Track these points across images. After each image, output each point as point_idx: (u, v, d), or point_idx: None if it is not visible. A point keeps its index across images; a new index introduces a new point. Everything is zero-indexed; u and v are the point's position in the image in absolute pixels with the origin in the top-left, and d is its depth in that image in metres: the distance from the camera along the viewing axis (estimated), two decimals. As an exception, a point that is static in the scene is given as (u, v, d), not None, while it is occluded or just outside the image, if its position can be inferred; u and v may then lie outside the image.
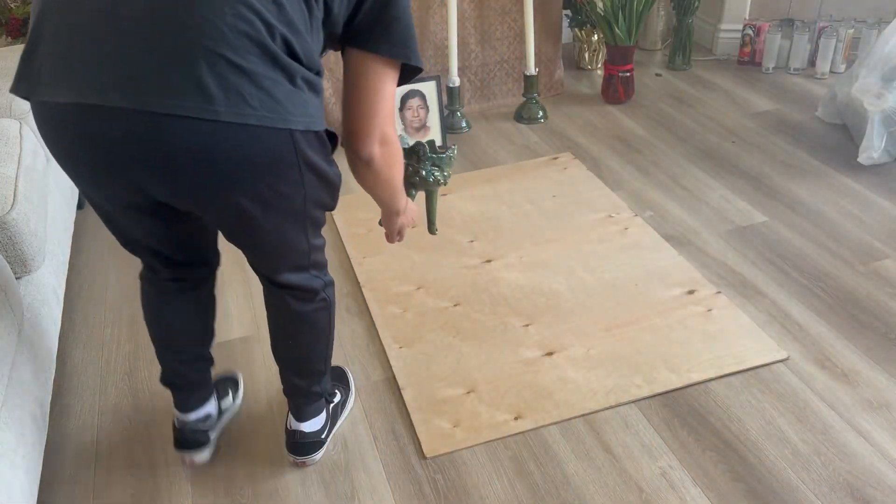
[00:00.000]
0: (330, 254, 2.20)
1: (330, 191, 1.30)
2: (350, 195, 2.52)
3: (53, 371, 1.63)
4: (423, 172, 1.64)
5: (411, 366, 1.81)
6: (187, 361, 1.55)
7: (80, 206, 2.48)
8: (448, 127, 2.89)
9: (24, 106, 1.95)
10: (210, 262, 1.50)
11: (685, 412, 1.65)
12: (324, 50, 1.26)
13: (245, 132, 1.07)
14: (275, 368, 1.82)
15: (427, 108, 2.76)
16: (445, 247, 2.23)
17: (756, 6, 3.37)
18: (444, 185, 1.70)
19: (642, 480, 1.50)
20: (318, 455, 1.61)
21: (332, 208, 1.35)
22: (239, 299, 2.07)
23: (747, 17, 3.37)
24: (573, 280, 2.06)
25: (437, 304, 2.00)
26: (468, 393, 1.72)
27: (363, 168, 1.33)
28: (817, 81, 3.19)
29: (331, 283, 1.47)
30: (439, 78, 2.77)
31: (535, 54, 2.97)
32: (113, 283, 2.17)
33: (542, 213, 2.36)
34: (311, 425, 1.58)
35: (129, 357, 1.90)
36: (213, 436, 1.61)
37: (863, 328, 1.85)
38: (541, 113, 2.98)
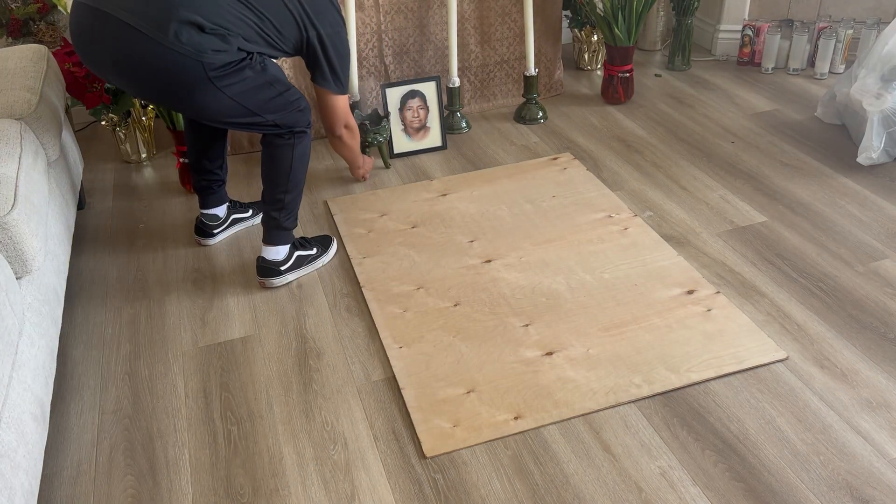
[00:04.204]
0: (330, 254, 2.23)
1: (259, 89, 1.85)
2: (350, 195, 2.53)
3: (53, 371, 1.64)
4: (370, 138, 2.57)
5: (411, 366, 1.81)
6: (199, 172, 2.23)
7: (80, 206, 2.48)
8: (448, 127, 2.89)
9: (25, 106, 1.96)
10: None
11: (684, 412, 1.65)
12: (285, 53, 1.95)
13: (170, 55, 1.72)
14: (275, 370, 1.84)
15: (427, 109, 2.76)
16: (445, 247, 2.24)
17: (755, 7, 3.37)
18: (384, 142, 2.62)
19: (642, 480, 1.51)
20: (276, 282, 2.09)
21: (282, 89, 1.90)
22: (239, 299, 2.07)
23: (747, 18, 3.38)
24: (573, 280, 2.06)
25: (437, 304, 2.00)
26: (468, 393, 1.72)
27: (337, 142, 2.24)
28: (816, 82, 3.19)
29: (301, 133, 1.99)
30: (439, 78, 2.77)
31: (535, 55, 2.98)
32: (113, 283, 2.17)
33: (542, 213, 2.37)
34: (271, 253, 2.07)
35: (129, 357, 1.90)
36: (216, 231, 2.29)
37: (862, 328, 1.86)
38: (540, 113, 2.99)
